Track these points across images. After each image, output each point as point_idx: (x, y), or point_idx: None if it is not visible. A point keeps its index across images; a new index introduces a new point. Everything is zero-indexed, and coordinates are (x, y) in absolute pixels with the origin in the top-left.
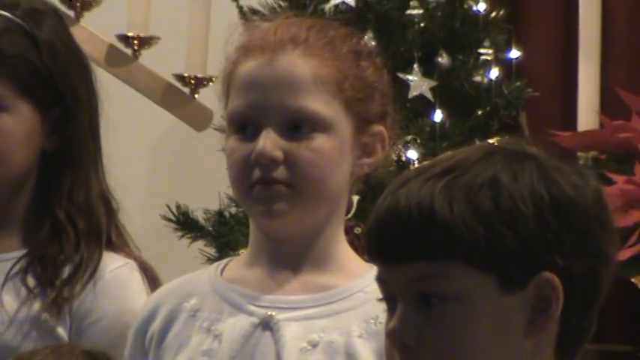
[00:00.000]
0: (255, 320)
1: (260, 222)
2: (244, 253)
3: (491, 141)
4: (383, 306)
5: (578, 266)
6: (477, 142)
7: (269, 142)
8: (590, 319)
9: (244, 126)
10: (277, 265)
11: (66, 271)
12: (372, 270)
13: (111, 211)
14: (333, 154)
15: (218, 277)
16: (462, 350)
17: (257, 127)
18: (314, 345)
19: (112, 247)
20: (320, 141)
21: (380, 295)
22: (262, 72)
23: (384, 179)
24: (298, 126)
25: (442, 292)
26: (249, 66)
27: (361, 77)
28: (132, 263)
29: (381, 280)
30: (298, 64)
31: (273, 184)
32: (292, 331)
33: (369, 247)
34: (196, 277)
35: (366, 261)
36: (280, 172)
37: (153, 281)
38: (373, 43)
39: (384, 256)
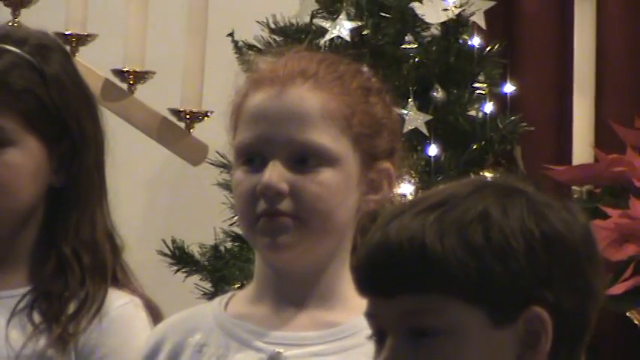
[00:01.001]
0: (263, 357)
1: (265, 255)
2: (248, 288)
3: (486, 175)
4: None
5: (567, 302)
6: (472, 176)
7: (275, 174)
8: (578, 355)
9: (251, 158)
10: (283, 300)
11: (71, 307)
12: None
13: (116, 249)
14: (339, 188)
15: (222, 312)
16: None
17: (264, 159)
18: None
19: (117, 283)
20: (326, 175)
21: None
22: (271, 104)
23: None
24: (305, 159)
25: (432, 325)
26: (258, 98)
27: (370, 113)
28: (137, 300)
29: (370, 314)
30: (307, 97)
31: (278, 216)
32: None
33: (359, 281)
34: (199, 311)
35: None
36: (286, 205)
37: (157, 318)
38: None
39: (374, 289)
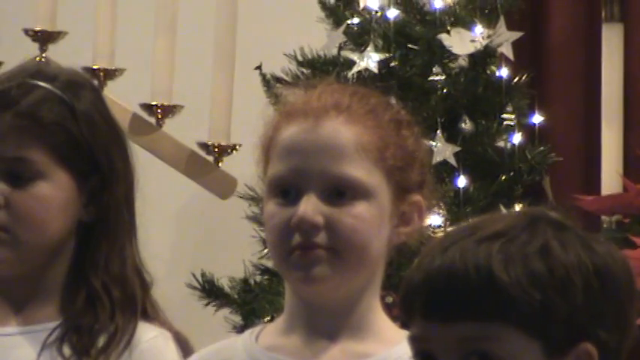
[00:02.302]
0: None
1: (298, 288)
2: (279, 320)
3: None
4: None
5: (613, 340)
6: (502, 208)
7: (310, 207)
8: None
9: (285, 191)
10: (314, 332)
11: (101, 340)
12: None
13: (145, 283)
14: (374, 221)
15: (254, 344)
16: None
17: (298, 191)
18: None
19: (147, 317)
20: (361, 208)
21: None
22: (305, 137)
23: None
24: (340, 192)
25: (491, 353)
26: (292, 131)
27: (402, 146)
28: (166, 333)
29: (420, 338)
30: (341, 130)
31: (313, 249)
32: None
33: (411, 304)
34: (231, 344)
35: (398, 325)
36: (321, 238)
37: (187, 351)
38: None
39: (432, 313)
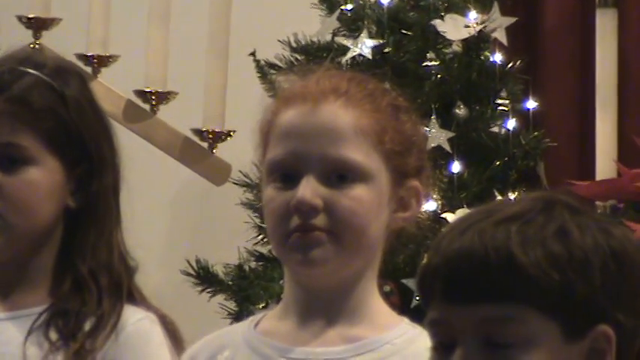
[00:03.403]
0: None
1: (297, 271)
2: (277, 307)
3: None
4: (408, 358)
5: (630, 322)
6: (496, 193)
7: (309, 189)
8: None
9: (284, 174)
10: (309, 316)
11: (88, 324)
12: (402, 323)
13: (130, 270)
14: (373, 204)
15: (251, 329)
16: None
17: (297, 175)
18: None
19: (133, 301)
20: (360, 191)
21: (412, 352)
22: (304, 120)
23: (405, 232)
24: (339, 175)
25: (510, 334)
26: (291, 115)
27: (400, 131)
28: (152, 316)
29: (439, 321)
30: (340, 113)
31: (312, 231)
32: None
33: (429, 288)
34: (231, 330)
35: (399, 312)
36: (320, 220)
37: (173, 334)
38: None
39: (451, 296)
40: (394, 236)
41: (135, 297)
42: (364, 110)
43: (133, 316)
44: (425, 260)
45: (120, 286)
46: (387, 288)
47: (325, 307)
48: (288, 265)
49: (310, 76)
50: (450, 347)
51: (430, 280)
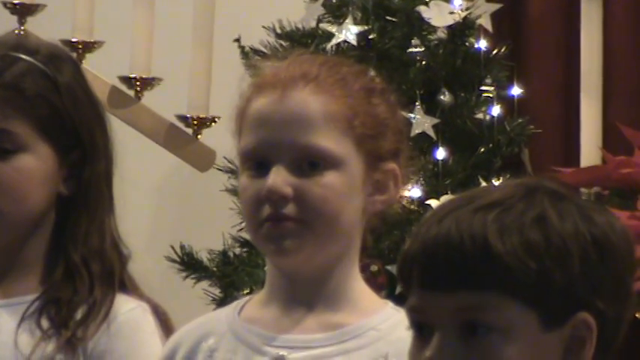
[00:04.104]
0: None
1: (272, 260)
2: (261, 292)
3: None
4: (393, 344)
5: (612, 310)
6: (481, 180)
7: (279, 178)
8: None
9: (257, 163)
10: (292, 303)
11: (80, 313)
12: (386, 307)
13: (122, 258)
14: (344, 190)
15: (236, 316)
16: None
17: (268, 163)
18: None
19: (125, 289)
20: (330, 177)
21: (397, 336)
22: (273, 109)
23: (390, 217)
24: (309, 163)
25: (487, 322)
26: (261, 103)
27: (372, 114)
28: (145, 305)
29: (417, 308)
30: (309, 100)
31: (283, 221)
32: None
33: (408, 274)
34: (216, 316)
35: (383, 294)
36: (290, 209)
37: (165, 323)
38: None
39: (428, 283)
40: (378, 220)
41: (127, 285)
42: (334, 95)
43: (125, 306)
44: (405, 247)
45: (112, 274)
46: (374, 268)
47: (306, 294)
48: (264, 254)
49: (281, 62)
50: (428, 334)
51: (408, 267)
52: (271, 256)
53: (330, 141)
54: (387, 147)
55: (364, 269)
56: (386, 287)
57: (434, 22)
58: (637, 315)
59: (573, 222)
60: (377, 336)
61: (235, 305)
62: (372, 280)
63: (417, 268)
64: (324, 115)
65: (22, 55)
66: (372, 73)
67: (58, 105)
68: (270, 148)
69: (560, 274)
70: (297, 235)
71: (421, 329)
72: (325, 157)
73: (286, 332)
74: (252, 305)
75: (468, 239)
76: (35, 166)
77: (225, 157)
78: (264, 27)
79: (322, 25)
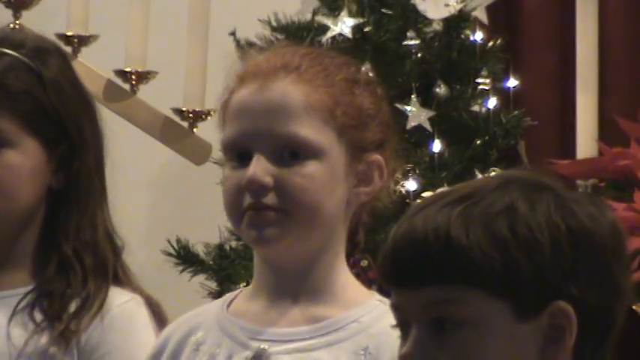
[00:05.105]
0: (249, 354)
1: (255, 248)
2: (250, 286)
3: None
4: (374, 337)
5: (592, 297)
6: (477, 172)
7: (259, 168)
8: (604, 352)
9: (239, 154)
10: (277, 295)
11: (73, 305)
12: (371, 299)
13: (116, 249)
14: (325, 180)
15: (224, 310)
16: None
17: (249, 154)
18: None
19: (119, 282)
20: (311, 167)
21: (378, 328)
22: (254, 99)
23: (386, 211)
24: (289, 152)
25: (457, 317)
26: (243, 93)
27: (355, 105)
28: (138, 298)
29: (395, 306)
30: (289, 90)
31: (263, 210)
32: None
33: (384, 272)
34: (205, 310)
35: (374, 289)
36: (270, 198)
37: (159, 316)
38: (370, 74)
39: (399, 280)
40: (369, 213)
41: (120, 278)
42: (315, 86)
43: (118, 298)
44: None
45: (105, 267)
46: (365, 262)
47: (291, 287)
48: (247, 243)
49: (264, 53)
50: (408, 331)
51: (383, 266)
52: (253, 244)
53: (310, 131)
54: (370, 138)
55: (355, 264)
56: (377, 282)
57: (429, 15)
58: (634, 307)
59: (545, 211)
60: (358, 328)
61: (225, 299)
62: (362, 275)
63: (390, 266)
64: (304, 104)
65: (7, 50)
66: (364, 65)
67: (43, 99)
68: (250, 138)
69: (529, 264)
70: (278, 224)
71: (401, 325)
72: (306, 146)
73: (271, 325)
74: (240, 299)
75: (431, 234)
76: (22, 161)
77: (220, 150)
78: (259, 20)
79: (318, 18)
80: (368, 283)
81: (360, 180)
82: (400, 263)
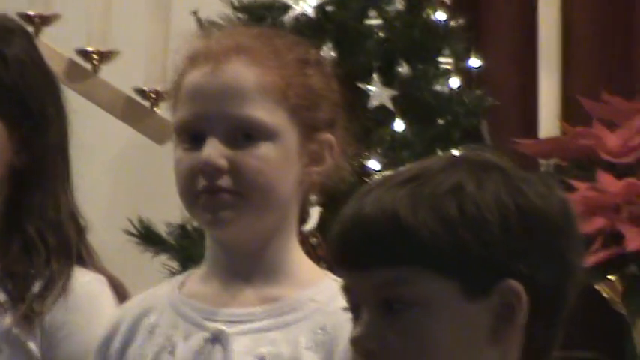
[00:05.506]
0: (207, 335)
1: (209, 230)
2: (201, 267)
3: (455, 151)
4: (332, 315)
5: (542, 275)
6: (439, 152)
7: (213, 151)
8: (555, 330)
9: (191, 136)
10: (231, 276)
11: (37, 286)
12: (326, 278)
13: (80, 229)
14: (279, 162)
15: (176, 291)
16: (425, 357)
17: (203, 136)
18: (261, 358)
19: (82, 262)
20: (265, 149)
21: (334, 307)
22: (206, 81)
23: (346, 190)
24: (242, 134)
25: (406, 297)
26: (194, 75)
27: (306, 85)
28: (101, 278)
29: (345, 288)
30: (242, 72)
31: (218, 193)
32: (242, 345)
33: (333, 255)
34: (156, 292)
35: (323, 266)
36: (225, 181)
37: (122, 296)
38: (333, 54)
39: (348, 263)
40: (320, 191)
41: (84, 258)
42: (268, 67)
43: (81, 278)
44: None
45: (69, 247)
46: (314, 240)
47: (244, 267)
48: (201, 225)
49: (215, 35)
50: (360, 313)
51: (333, 248)
52: (208, 227)
53: (263, 112)
54: (322, 117)
55: (304, 241)
56: (326, 259)
57: None
58: (596, 286)
59: (494, 191)
60: (315, 307)
61: (176, 280)
62: (312, 253)
63: (338, 249)
64: (257, 86)
65: None
66: (326, 45)
67: (6, 78)
68: (204, 120)
69: (477, 243)
70: (233, 206)
71: (353, 308)
72: (259, 128)
73: (226, 306)
74: (192, 280)
75: (379, 215)
76: None
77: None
78: None
79: None
80: (317, 260)
81: (312, 160)
82: (349, 245)
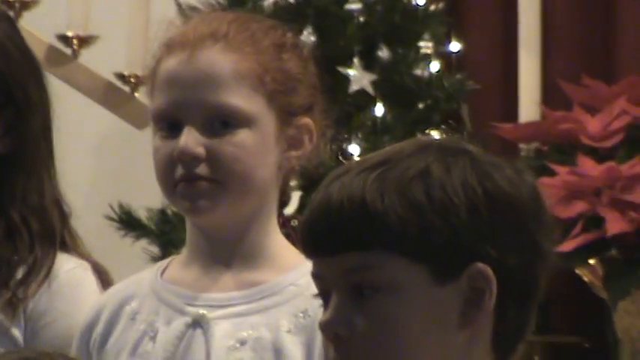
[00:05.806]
0: (188, 320)
1: (188, 217)
2: (182, 253)
3: (433, 134)
4: (313, 299)
5: (512, 259)
6: (419, 136)
7: (190, 139)
8: (527, 314)
9: (168, 124)
10: (212, 261)
11: (20, 272)
12: (306, 262)
13: (63, 215)
14: (257, 148)
15: (158, 278)
16: (394, 341)
17: (179, 125)
18: (242, 343)
19: (66, 248)
20: (242, 136)
21: (315, 291)
22: (182, 69)
23: (326, 174)
24: (220, 122)
25: (374, 282)
26: (170, 63)
27: (283, 70)
28: (85, 264)
29: (315, 275)
30: (218, 59)
31: (196, 181)
32: (222, 330)
33: (304, 242)
34: (138, 279)
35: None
36: (203, 169)
37: (106, 282)
38: (313, 38)
39: (317, 249)
40: (300, 175)
41: (67, 244)
42: (244, 53)
43: (65, 265)
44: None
45: (53, 232)
46: (295, 222)
47: (224, 253)
48: (180, 212)
49: (190, 22)
50: (330, 297)
51: (302, 235)
52: (186, 214)
53: (240, 99)
54: (299, 102)
55: (285, 224)
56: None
57: None
58: (577, 271)
59: (461, 175)
60: (296, 291)
61: (158, 267)
62: (293, 235)
63: (307, 236)
64: (233, 73)
65: None
66: (306, 29)
67: None
68: (181, 108)
69: (444, 227)
70: (211, 194)
71: (322, 294)
72: (236, 115)
73: (206, 291)
74: (174, 266)
75: (347, 201)
76: None
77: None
78: None
79: None
80: (298, 242)
81: (290, 144)
82: (317, 232)
